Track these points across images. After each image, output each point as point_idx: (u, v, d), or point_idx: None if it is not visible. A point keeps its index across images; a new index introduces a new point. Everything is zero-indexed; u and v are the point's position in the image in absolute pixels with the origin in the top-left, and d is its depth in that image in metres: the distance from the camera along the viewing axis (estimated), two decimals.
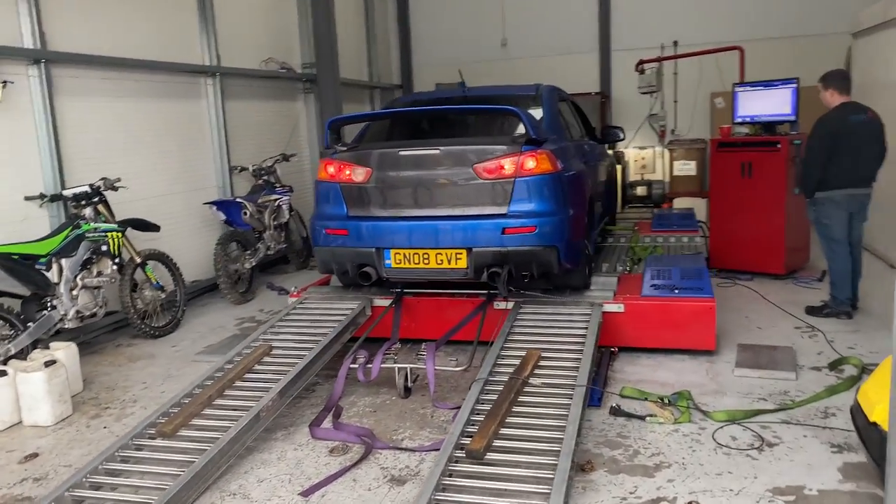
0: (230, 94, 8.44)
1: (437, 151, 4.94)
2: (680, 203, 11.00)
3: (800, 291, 6.83)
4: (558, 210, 4.90)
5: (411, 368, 4.70)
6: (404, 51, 13.95)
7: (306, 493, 3.58)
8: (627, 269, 6.12)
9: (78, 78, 6.23)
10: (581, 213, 5.26)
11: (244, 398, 4.29)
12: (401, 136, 5.65)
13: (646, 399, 4.34)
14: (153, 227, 6.40)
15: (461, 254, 4.94)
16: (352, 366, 4.68)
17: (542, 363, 4.40)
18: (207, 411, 4.18)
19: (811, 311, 6.05)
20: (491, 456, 3.48)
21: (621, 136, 7.66)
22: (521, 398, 4.00)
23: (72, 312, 5.38)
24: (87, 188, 5.73)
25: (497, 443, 3.59)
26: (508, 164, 4.85)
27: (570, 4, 12.93)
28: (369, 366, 4.66)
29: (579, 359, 4.37)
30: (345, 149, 5.28)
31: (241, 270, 7.48)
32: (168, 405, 4.19)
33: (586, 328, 4.79)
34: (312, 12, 9.88)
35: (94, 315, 5.64)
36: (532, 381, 4.10)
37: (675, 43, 12.24)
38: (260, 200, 7.92)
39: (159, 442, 3.89)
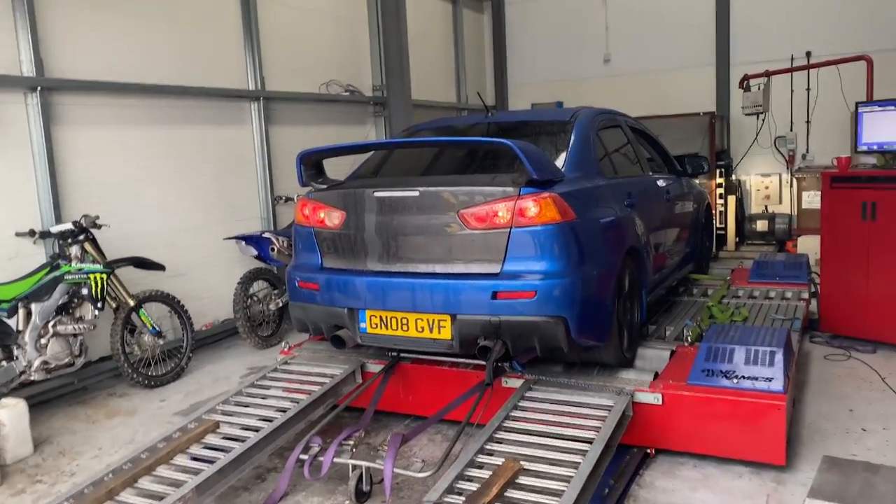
0: (278, 118, 7.91)
1: (417, 193, 3.98)
2: (805, 243, 9.31)
3: None
4: (569, 270, 3.79)
5: (368, 467, 3.75)
6: (499, 70, 13.05)
7: None
8: (689, 339, 4.82)
9: (83, 106, 5.84)
10: (608, 271, 4.10)
11: (153, 494, 3.54)
12: (394, 171, 4.75)
13: None
14: (156, 266, 5.89)
15: (445, 321, 3.95)
16: (301, 456, 3.81)
17: (520, 480, 3.31)
18: None
19: None
20: None
21: (705, 167, 6.34)
22: None
23: (37, 363, 4.91)
24: (70, 226, 5.28)
25: None
26: (503, 211, 3.81)
27: (682, 15, 11.51)
28: (321, 458, 3.77)
29: (571, 477, 3.24)
30: (324, 187, 4.45)
31: (266, 312, 6.85)
32: (64, 497, 3.51)
33: (599, 428, 3.64)
34: (383, 32, 9.28)
35: (70, 365, 5.15)
36: None
37: (808, 54, 10.50)
38: None
39: None
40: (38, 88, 5.43)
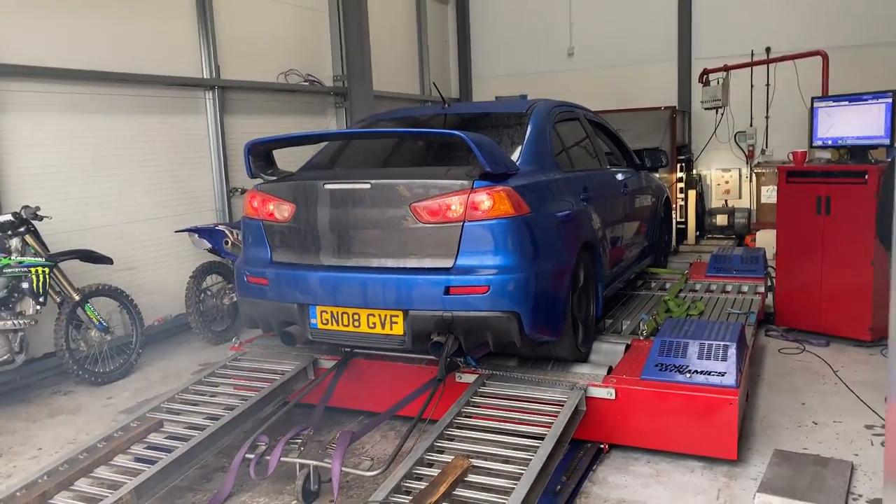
0: (235, 108, 7.74)
1: (368, 186, 3.88)
2: (763, 237, 9.37)
3: (887, 366, 5.25)
4: (522, 264, 3.73)
5: (316, 466, 3.66)
6: (463, 62, 12.97)
7: None
8: (644, 333, 4.81)
9: (26, 92, 5.62)
10: (563, 266, 4.05)
11: (88, 497, 3.40)
12: (349, 163, 4.65)
13: None
14: (104, 260, 5.70)
15: (397, 317, 3.86)
16: (247, 455, 3.70)
17: (469, 479, 3.25)
18: None
19: None
20: None
21: (664, 161, 6.34)
22: None
23: None
24: (10, 217, 5.07)
25: None
26: (456, 205, 3.73)
27: (645, 10, 11.56)
28: (268, 457, 3.67)
29: (521, 475, 3.19)
30: (274, 178, 4.33)
31: (220, 306, 6.70)
32: None
33: (551, 424, 3.59)
34: (344, 20, 9.12)
35: (9, 362, 4.96)
36: None
37: (768, 50, 10.60)
38: None
39: None
40: None
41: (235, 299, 6.65)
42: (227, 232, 6.68)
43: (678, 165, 10.37)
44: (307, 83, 8.89)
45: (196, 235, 6.69)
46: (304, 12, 9.02)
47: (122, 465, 3.66)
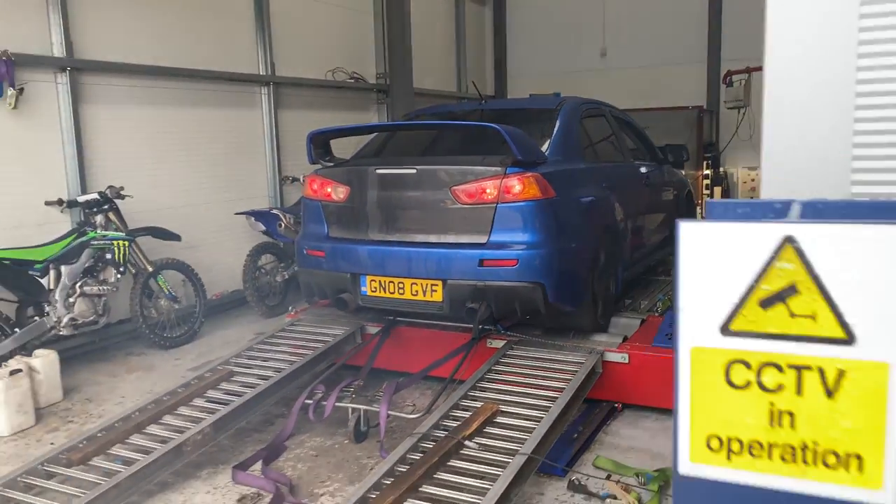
0: (287, 103, 8.36)
1: (414, 171, 4.45)
2: None
3: None
4: (547, 242, 4.27)
5: (365, 410, 4.24)
6: (499, 61, 13.48)
7: None
8: (659, 310, 5.30)
9: (108, 86, 6.30)
10: (585, 246, 4.58)
11: (175, 428, 4.02)
12: (395, 152, 5.22)
13: (608, 477, 3.62)
14: (173, 237, 6.35)
15: (436, 286, 4.43)
16: (306, 401, 4.29)
17: (498, 419, 3.80)
18: (132, 439, 3.94)
19: None
20: None
21: (685, 156, 6.79)
22: (451, 462, 3.43)
23: (66, 320, 5.38)
24: (96, 196, 5.74)
25: None
26: (491, 188, 4.28)
27: (676, 12, 11.93)
28: (324, 403, 4.26)
29: (542, 419, 3.73)
30: (331, 164, 4.92)
31: (273, 283, 7.33)
32: (98, 429, 4.00)
33: (569, 380, 4.12)
34: (387, 21, 9.73)
35: (94, 323, 5.63)
36: (469, 442, 3.52)
37: None
38: None
39: (71, 470, 3.69)
40: (68, 69, 5.89)
41: (286, 277, 7.35)
42: (280, 216, 7.31)
43: (705, 162, 10.76)
44: (352, 80, 9.50)
45: (252, 218, 7.33)
46: (351, 13, 9.62)
47: (200, 406, 4.28)
